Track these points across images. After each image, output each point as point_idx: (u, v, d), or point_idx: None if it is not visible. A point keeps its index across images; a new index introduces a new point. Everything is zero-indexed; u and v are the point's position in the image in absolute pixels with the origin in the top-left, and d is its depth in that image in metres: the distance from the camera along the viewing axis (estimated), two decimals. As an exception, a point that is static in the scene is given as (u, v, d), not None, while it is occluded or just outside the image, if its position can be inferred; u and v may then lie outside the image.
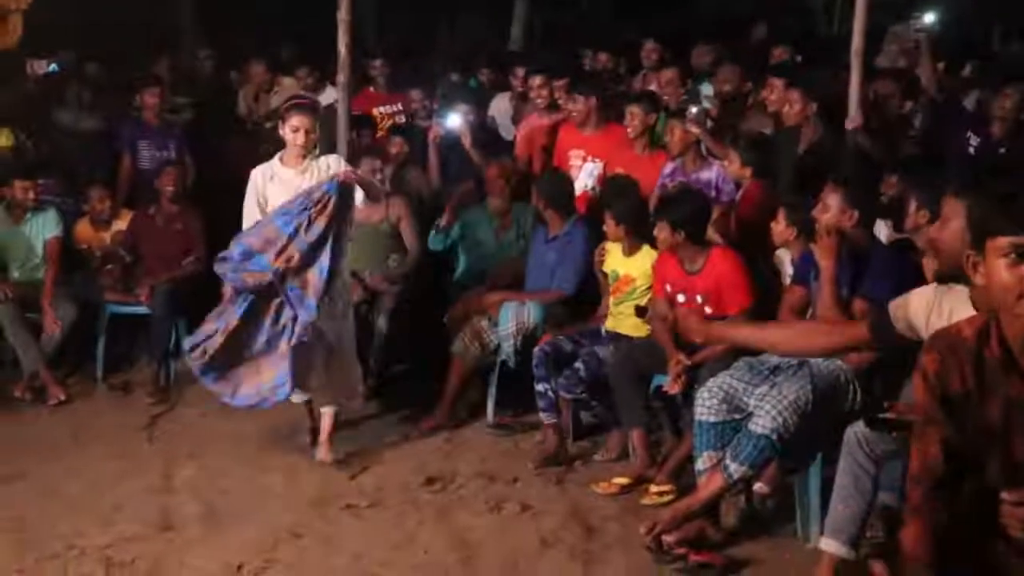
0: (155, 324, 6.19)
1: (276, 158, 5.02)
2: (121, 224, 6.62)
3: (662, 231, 4.69)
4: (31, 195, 6.31)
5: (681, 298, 4.72)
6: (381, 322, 5.90)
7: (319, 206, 4.74)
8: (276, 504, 4.53)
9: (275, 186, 4.95)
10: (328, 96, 7.85)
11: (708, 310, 4.63)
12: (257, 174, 5.02)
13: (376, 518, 4.40)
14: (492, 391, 5.54)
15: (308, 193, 4.80)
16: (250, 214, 4.97)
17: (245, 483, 4.75)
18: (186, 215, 6.54)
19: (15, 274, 6.33)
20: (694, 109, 5.80)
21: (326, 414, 5.03)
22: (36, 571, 3.93)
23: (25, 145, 7.41)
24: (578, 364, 4.92)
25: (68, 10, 8.83)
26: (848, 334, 2.98)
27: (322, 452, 4.98)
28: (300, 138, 4.90)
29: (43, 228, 6.36)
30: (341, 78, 6.58)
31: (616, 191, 5.40)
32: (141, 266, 6.43)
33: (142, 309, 6.26)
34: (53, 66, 8.54)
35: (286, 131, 4.92)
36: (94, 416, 5.77)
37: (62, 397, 5.91)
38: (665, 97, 6.55)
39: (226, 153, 7.39)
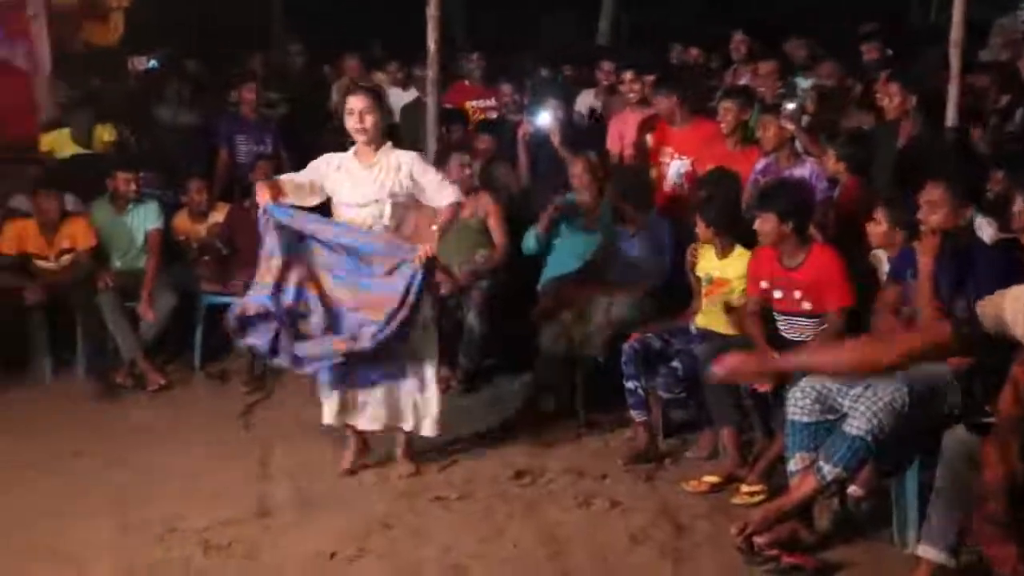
0: (250, 315, 6.31)
1: (350, 150, 4.83)
2: (218, 216, 6.78)
3: (767, 223, 4.61)
4: (133, 187, 6.50)
5: (778, 294, 4.66)
6: (470, 317, 5.95)
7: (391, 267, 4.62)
8: (367, 494, 4.60)
9: (340, 176, 4.74)
10: (411, 93, 7.94)
11: (807, 306, 4.57)
12: (323, 160, 4.85)
13: (465, 511, 4.43)
14: (580, 386, 5.54)
15: (390, 243, 4.66)
16: (289, 180, 4.82)
17: (332, 468, 4.82)
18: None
19: (117, 263, 6.53)
20: (790, 105, 5.72)
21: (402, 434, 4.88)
22: (137, 553, 4.04)
23: (127, 140, 7.64)
24: (675, 363, 4.89)
25: (167, 8, 9.07)
26: (929, 337, 2.90)
27: (403, 468, 4.84)
28: (355, 121, 4.65)
29: (144, 219, 6.54)
30: (430, 74, 6.64)
31: (710, 190, 5.32)
32: (237, 258, 6.57)
33: (238, 299, 6.39)
34: (153, 63, 8.78)
35: (347, 119, 4.72)
36: (192, 403, 5.93)
37: (162, 382, 6.10)
38: (761, 90, 6.47)
39: (318, 147, 7.50)
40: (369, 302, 4.61)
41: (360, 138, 4.71)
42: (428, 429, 4.80)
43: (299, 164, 7.48)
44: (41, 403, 5.92)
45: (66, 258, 6.41)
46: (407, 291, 4.53)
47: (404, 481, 4.74)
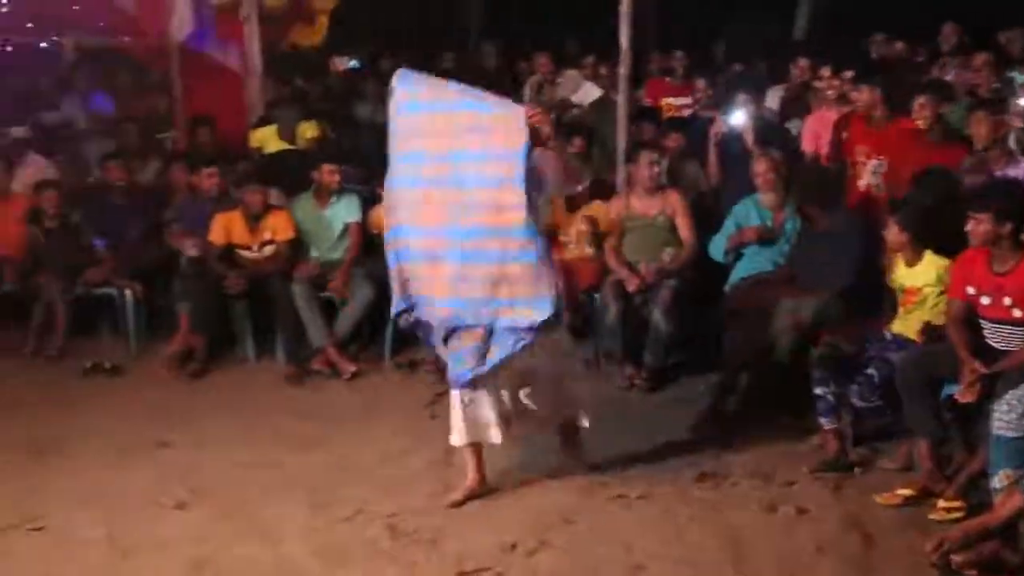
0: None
1: None
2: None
3: (981, 224, 4.33)
4: (336, 178, 6.76)
5: (986, 300, 4.40)
6: (656, 315, 5.90)
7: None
8: (550, 487, 4.62)
9: None
10: (589, 90, 7.94)
11: (1017, 313, 4.30)
12: None
13: (646, 510, 4.40)
14: (767, 389, 5.40)
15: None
16: None
17: (522, 463, 4.88)
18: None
19: (315, 254, 6.82)
20: (1021, 101, 5.38)
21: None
22: (327, 532, 4.21)
23: (329, 136, 7.96)
24: (870, 370, 4.70)
25: (367, 10, 9.40)
26: None
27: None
28: None
29: (345, 212, 6.80)
30: (622, 70, 6.64)
31: (918, 191, 5.08)
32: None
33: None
34: (354, 63, 9.12)
35: None
36: (382, 392, 6.12)
37: (354, 370, 6.32)
38: (973, 84, 6.14)
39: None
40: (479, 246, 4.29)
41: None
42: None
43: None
44: (245, 385, 6.26)
45: (267, 249, 6.74)
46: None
47: (587, 477, 4.74)
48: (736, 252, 5.93)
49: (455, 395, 4.45)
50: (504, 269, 4.26)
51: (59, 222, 6.98)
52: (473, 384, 4.39)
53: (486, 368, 4.34)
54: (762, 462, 4.88)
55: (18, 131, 7.81)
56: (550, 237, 6.26)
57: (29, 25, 8.88)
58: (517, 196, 4.19)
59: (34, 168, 7.56)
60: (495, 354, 4.33)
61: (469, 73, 9.16)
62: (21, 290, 6.88)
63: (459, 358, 4.39)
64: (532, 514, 4.33)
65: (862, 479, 4.68)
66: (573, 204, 6.43)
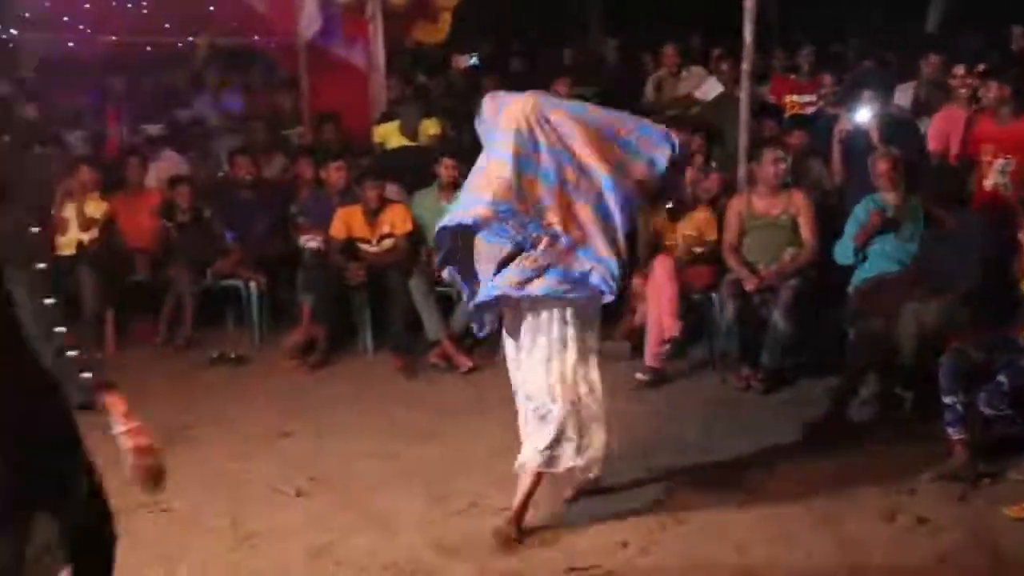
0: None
1: None
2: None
3: None
4: (456, 173, 6.85)
5: None
6: (776, 315, 5.81)
7: None
8: (661, 487, 4.59)
9: None
10: (712, 86, 7.83)
11: None
12: None
13: (761, 513, 4.32)
14: (885, 393, 5.25)
15: None
16: None
17: (630, 462, 4.86)
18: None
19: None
20: None
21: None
22: (443, 524, 4.27)
23: (450, 134, 8.06)
24: (1001, 377, 4.52)
25: (486, 7, 9.46)
26: None
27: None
28: None
29: (468, 208, 6.88)
30: (744, 66, 6.54)
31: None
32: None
33: (546, 288, 6.59)
34: (474, 60, 9.20)
35: None
36: (495, 386, 6.11)
37: (470, 365, 6.39)
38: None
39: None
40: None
41: None
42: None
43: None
44: (363, 376, 6.40)
45: (386, 242, 6.87)
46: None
47: (700, 475, 4.69)
48: (864, 251, 5.76)
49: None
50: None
51: (190, 216, 7.26)
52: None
53: (521, 292, 3.93)
54: (882, 468, 4.74)
55: (153, 128, 8.13)
56: (656, 248, 6.27)
57: (166, 26, 9.23)
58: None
59: (167, 164, 7.88)
60: (537, 286, 3.93)
61: (589, 69, 9.18)
62: (153, 281, 7.18)
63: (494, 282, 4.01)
64: (644, 513, 4.31)
65: (989, 490, 4.50)
66: (676, 214, 6.39)
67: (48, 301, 2.49)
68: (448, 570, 3.87)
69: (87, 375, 2.49)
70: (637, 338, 6.38)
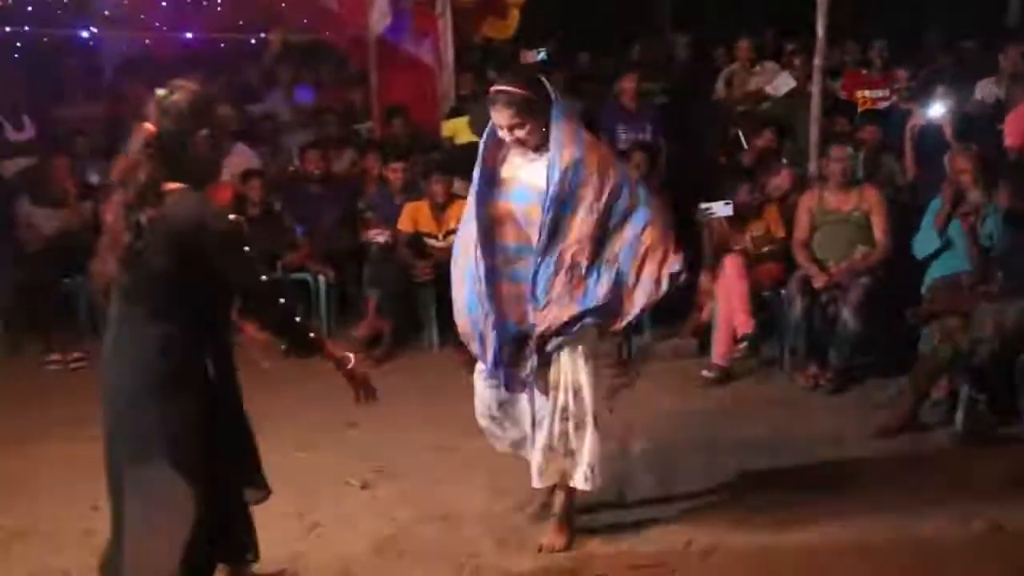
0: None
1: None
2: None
3: None
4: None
5: None
6: (845, 314, 5.71)
7: None
8: (727, 486, 4.54)
9: None
10: (784, 80, 7.73)
11: None
12: None
13: (829, 514, 4.24)
14: (964, 396, 5.13)
15: None
16: None
17: (696, 460, 4.82)
18: (657, 195, 6.73)
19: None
20: None
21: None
22: (505, 518, 4.26)
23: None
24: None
25: (555, 2, 9.44)
26: None
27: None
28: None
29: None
30: (817, 61, 6.45)
31: None
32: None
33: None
34: (542, 55, 9.18)
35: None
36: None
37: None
38: None
39: (702, 137, 7.54)
40: None
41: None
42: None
43: (680, 153, 7.64)
44: (427, 371, 6.45)
45: (452, 238, 6.88)
46: None
47: (767, 474, 4.64)
48: (945, 235, 5.63)
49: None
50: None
51: (261, 210, 7.36)
52: None
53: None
54: (955, 471, 4.64)
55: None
56: (724, 246, 6.19)
57: (240, 23, 9.37)
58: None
59: (240, 158, 7.99)
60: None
61: (659, 64, 9.11)
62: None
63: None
64: (710, 514, 4.27)
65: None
66: (744, 217, 6.32)
67: (265, 278, 3.11)
68: (509, 564, 3.88)
69: (313, 334, 3.35)
70: (704, 335, 6.33)
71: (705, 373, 6.00)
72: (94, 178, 7.64)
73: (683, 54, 9.45)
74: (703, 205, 6.28)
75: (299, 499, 4.42)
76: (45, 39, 9.03)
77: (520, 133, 3.77)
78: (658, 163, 7.20)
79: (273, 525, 4.19)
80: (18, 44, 8.94)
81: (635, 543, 4.04)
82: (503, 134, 3.83)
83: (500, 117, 3.77)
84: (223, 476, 3.15)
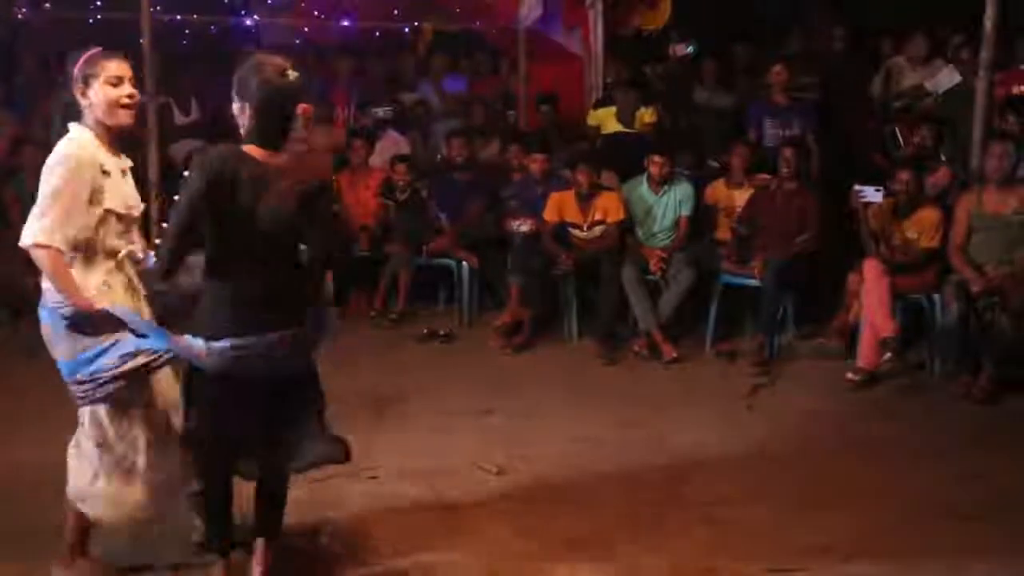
0: (765, 298, 6.35)
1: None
2: (738, 197, 6.89)
3: None
4: (666, 170, 6.82)
5: None
6: (1003, 321, 5.47)
7: None
8: (870, 491, 4.41)
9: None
10: (947, 75, 7.40)
11: None
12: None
13: (983, 532, 4.06)
14: None
15: None
16: None
17: (838, 463, 4.70)
18: (804, 193, 6.59)
19: (640, 237, 6.90)
20: None
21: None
22: (641, 511, 4.23)
23: (666, 123, 8.00)
24: None
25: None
26: None
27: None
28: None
29: (678, 203, 6.87)
30: (984, 55, 6.17)
31: None
32: (757, 239, 6.61)
33: (753, 282, 6.47)
34: (691, 47, 9.06)
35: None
36: (700, 379, 6.09)
37: (674, 355, 6.34)
38: None
39: (855, 133, 7.32)
40: None
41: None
42: None
43: (833, 149, 7.41)
44: (566, 361, 6.46)
45: (597, 229, 6.89)
46: None
47: (913, 481, 4.49)
48: None
49: None
50: None
51: (409, 195, 7.51)
52: None
53: None
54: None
55: (381, 111, 8.44)
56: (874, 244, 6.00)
57: (395, 12, 9.55)
58: None
59: (390, 144, 8.17)
60: None
61: (813, 57, 8.85)
62: (372, 256, 7.48)
63: None
64: (854, 521, 4.14)
65: None
66: (902, 211, 6.10)
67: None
68: (642, 559, 3.85)
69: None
70: (849, 337, 6.16)
71: (850, 376, 5.83)
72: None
73: (840, 46, 9.15)
74: (857, 187, 6.21)
75: (435, 482, 4.49)
76: (212, 26, 9.43)
77: None
78: (811, 162, 7.04)
79: (408, 504, 4.29)
80: (186, 31, 9.35)
81: (773, 542, 3.96)
82: None
83: None
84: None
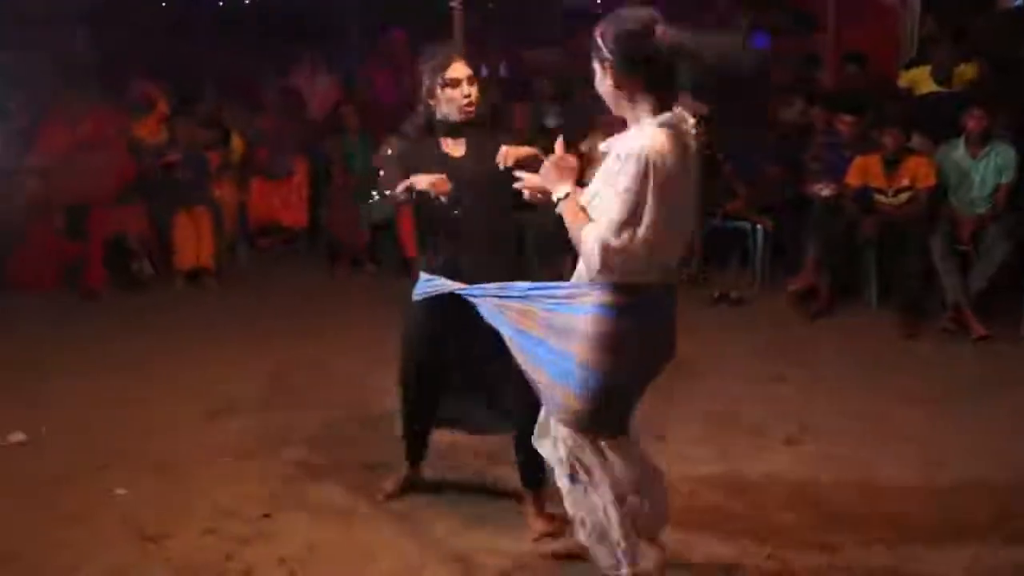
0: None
1: None
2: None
3: None
4: (984, 124, 6.34)
5: None
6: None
7: None
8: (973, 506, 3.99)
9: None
10: None
11: None
12: None
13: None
14: None
15: None
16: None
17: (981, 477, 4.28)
18: None
19: (954, 204, 6.47)
20: None
21: None
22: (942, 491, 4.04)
23: (989, 79, 7.43)
24: None
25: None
26: None
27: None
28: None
29: (998, 169, 6.39)
30: None
31: None
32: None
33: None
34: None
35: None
36: (1008, 362, 5.67)
37: (984, 333, 5.96)
38: None
39: None
40: None
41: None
42: None
43: None
44: (862, 332, 6.24)
45: (903, 195, 6.54)
46: None
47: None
48: None
49: None
50: None
51: (703, 156, 7.43)
52: None
53: None
54: None
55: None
56: None
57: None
58: None
59: (687, 104, 8.09)
60: None
61: None
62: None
63: None
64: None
65: None
66: None
67: None
68: (931, 543, 3.68)
69: None
70: None
71: None
72: (550, 121, 8.12)
73: None
74: None
75: (721, 447, 4.48)
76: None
77: None
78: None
79: (698, 465, 4.29)
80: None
81: (910, 553, 3.68)
82: None
83: None
84: None
